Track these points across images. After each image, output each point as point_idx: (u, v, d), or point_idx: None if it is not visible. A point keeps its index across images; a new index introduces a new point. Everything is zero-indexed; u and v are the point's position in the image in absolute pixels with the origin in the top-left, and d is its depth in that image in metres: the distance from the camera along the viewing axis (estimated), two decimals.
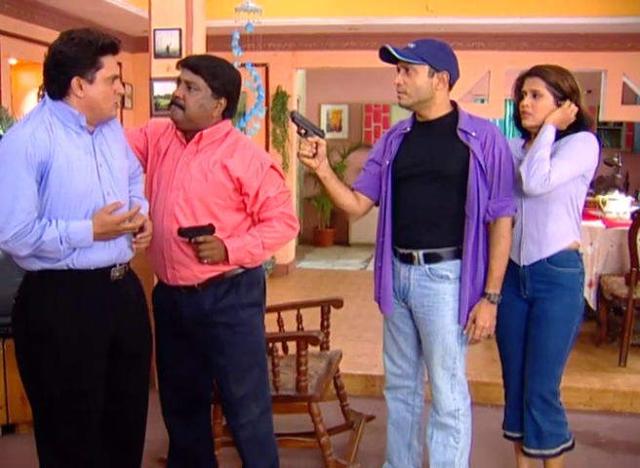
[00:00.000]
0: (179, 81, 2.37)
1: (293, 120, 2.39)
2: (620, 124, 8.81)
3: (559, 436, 2.59)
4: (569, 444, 2.63)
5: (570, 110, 2.45)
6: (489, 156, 2.41)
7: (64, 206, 2.08)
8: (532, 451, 2.60)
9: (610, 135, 8.95)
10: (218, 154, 2.38)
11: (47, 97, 2.13)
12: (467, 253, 2.43)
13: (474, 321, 2.45)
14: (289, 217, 2.44)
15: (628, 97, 6.75)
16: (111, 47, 2.11)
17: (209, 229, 2.31)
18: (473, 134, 2.42)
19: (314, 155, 2.41)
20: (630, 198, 5.18)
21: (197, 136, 2.38)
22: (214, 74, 2.33)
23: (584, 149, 2.45)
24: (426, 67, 2.39)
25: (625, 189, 7.20)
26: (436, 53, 2.41)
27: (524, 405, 2.58)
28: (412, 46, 2.41)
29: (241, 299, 2.43)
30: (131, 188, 2.34)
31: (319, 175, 2.47)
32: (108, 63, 2.11)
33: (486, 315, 2.45)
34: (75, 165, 2.09)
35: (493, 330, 2.51)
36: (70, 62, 2.05)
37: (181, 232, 2.30)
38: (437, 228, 2.48)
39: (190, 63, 2.36)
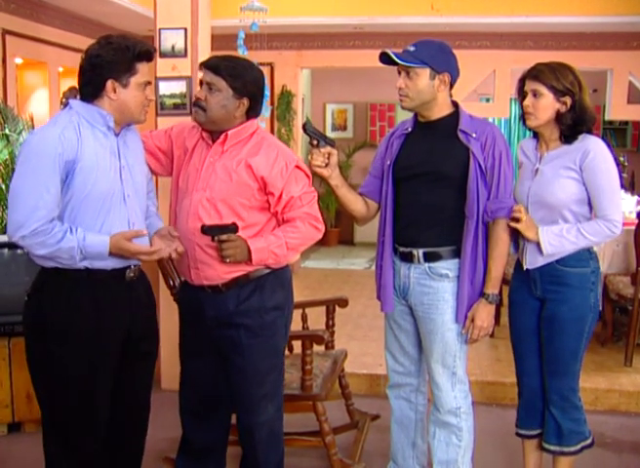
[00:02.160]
0: (201, 82, 2.36)
1: (305, 131, 2.40)
2: (626, 123, 8.79)
3: (579, 434, 2.59)
4: (589, 441, 2.63)
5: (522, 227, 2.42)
6: (489, 157, 2.41)
7: (86, 205, 2.11)
8: (551, 448, 2.60)
9: (616, 134, 8.93)
10: (243, 154, 2.36)
11: (71, 102, 2.17)
12: (466, 252, 2.44)
13: (473, 320, 2.46)
14: (313, 218, 2.41)
15: (634, 96, 6.72)
16: (147, 54, 2.17)
17: (232, 228, 2.28)
18: (473, 135, 2.42)
19: (326, 165, 2.43)
20: (636, 197, 5.17)
21: (222, 136, 2.37)
22: (234, 75, 2.31)
23: (608, 167, 2.42)
24: (427, 70, 2.39)
25: (631, 189, 7.20)
26: (436, 54, 2.41)
27: (544, 403, 2.58)
28: (411, 49, 2.41)
29: (265, 303, 2.40)
30: (147, 203, 2.37)
31: (331, 184, 2.49)
32: (142, 70, 2.16)
33: (484, 315, 2.45)
34: (101, 165, 2.12)
35: (491, 329, 2.51)
36: (107, 66, 2.10)
37: (204, 229, 2.27)
38: (437, 227, 2.48)
39: (211, 64, 2.34)
